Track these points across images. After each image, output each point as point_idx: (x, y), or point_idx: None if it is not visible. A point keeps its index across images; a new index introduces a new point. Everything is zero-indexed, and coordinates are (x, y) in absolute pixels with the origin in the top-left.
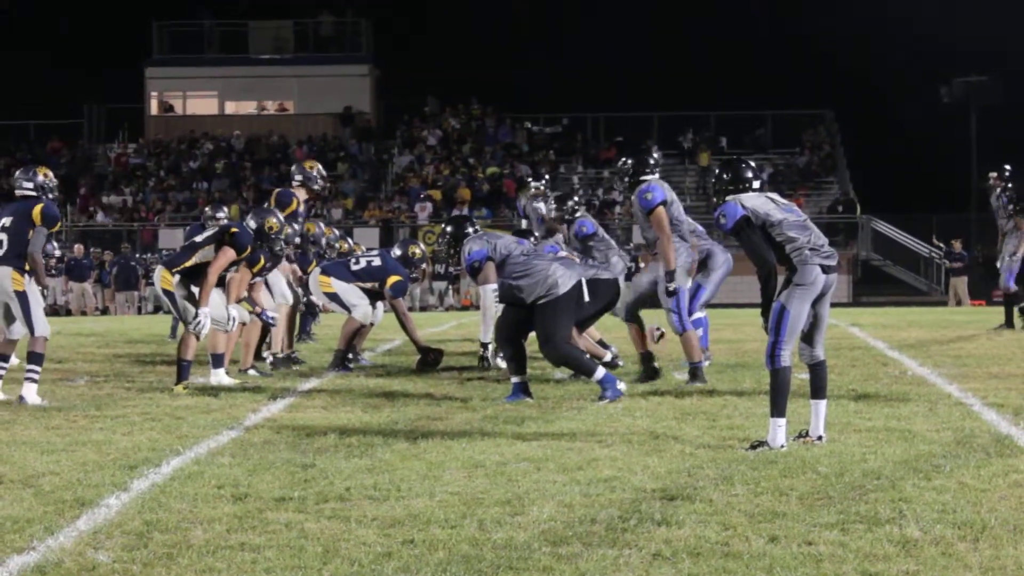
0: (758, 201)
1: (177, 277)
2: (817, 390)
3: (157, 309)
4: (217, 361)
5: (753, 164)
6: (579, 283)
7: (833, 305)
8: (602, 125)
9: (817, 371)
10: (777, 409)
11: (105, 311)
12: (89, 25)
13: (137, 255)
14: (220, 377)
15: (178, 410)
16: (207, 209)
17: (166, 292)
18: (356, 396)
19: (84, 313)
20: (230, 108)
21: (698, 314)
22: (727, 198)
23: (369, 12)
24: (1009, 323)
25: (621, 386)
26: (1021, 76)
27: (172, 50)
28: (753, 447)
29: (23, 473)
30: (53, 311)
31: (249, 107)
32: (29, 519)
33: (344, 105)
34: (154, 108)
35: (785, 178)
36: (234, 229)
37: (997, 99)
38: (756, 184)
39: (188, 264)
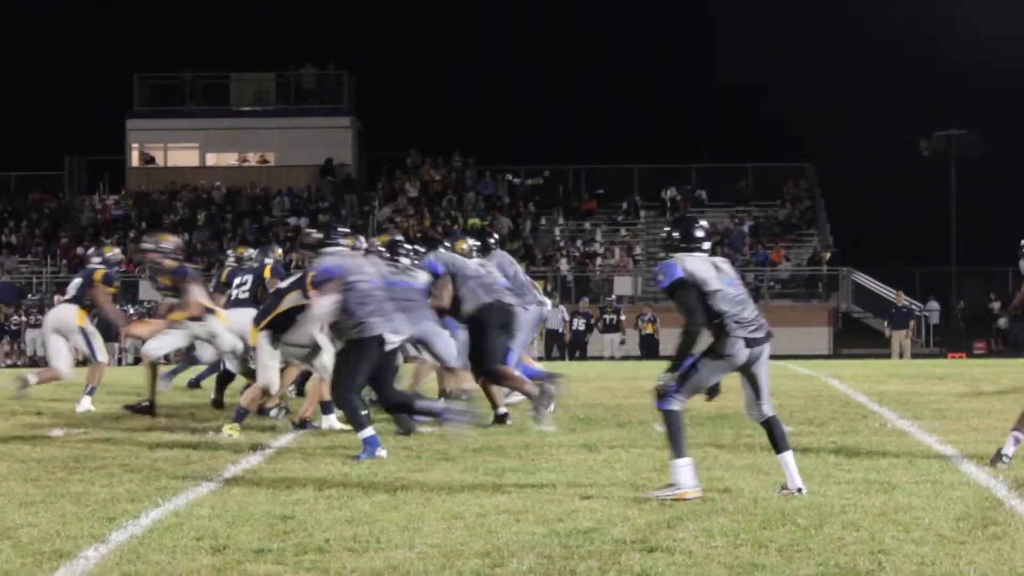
0: (700, 266)
1: (265, 332)
2: (777, 444)
3: (137, 360)
4: (327, 407)
5: (706, 224)
6: (380, 337)
7: (813, 357)
8: (583, 177)
9: (771, 426)
10: (675, 450)
11: (84, 362)
12: (70, 76)
13: (117, 306)
14: (332, 422)
15: (157, 461)
16: (246, 252)
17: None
18: (335, 447)
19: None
20: (211, 160)
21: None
22: (672, 256)
23: (351, 65)
24: None
25: (382, 452)
26: (1000, 130)
27: (153, 102)
28: (667, 487)
29: (1, 525)
30: (32, 362)
31: (231, 159)
32: (7, 571)
33: (326, 157)
34: (135, 160)
35: (765, 230)
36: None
37: (977, 152)
38: (706, 245)
39: (278, 312)
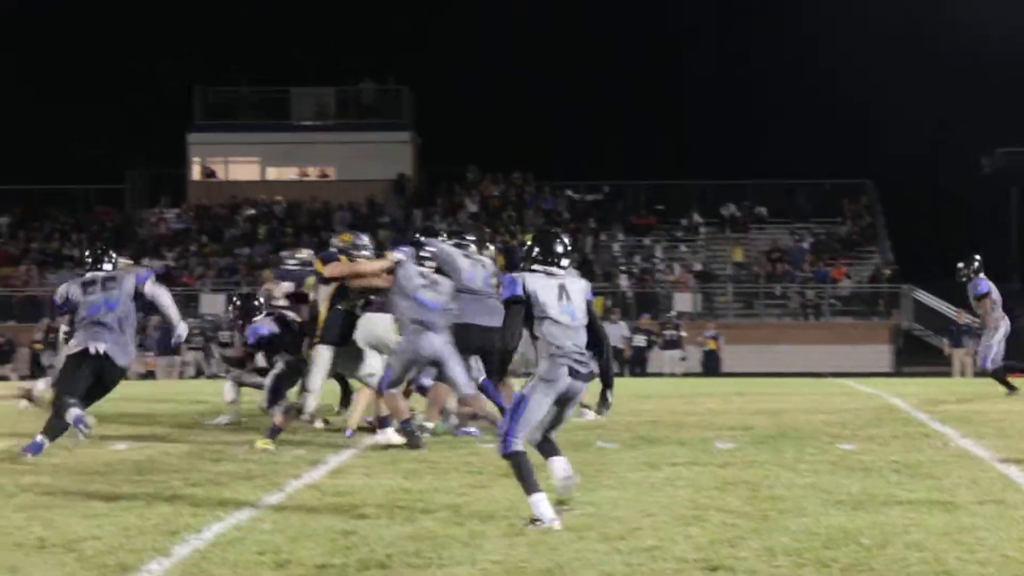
0: (543, 289)
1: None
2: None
3: (199, 374)
4: (385, 421)
5: (567, 241)
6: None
7: (874, 375)
8: (643, 193)
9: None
10: (528, 488)
11: (147, 375)
12: (132, 91)
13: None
14: (389, 436)
15: (219, 476)
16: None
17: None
18: (397, 462)
19: (126, 378)
20: (272, 174)
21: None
22: (522, 270)
23: (411, 80)
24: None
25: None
26: None
27: (214, 116)
28: (532, 522)
29: (65, 537)
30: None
31: (291, 173)
32: None
33: (385, 172)
34: (196, 174)
35: (826, 247)
36: None
37: None
38: (564, 262)
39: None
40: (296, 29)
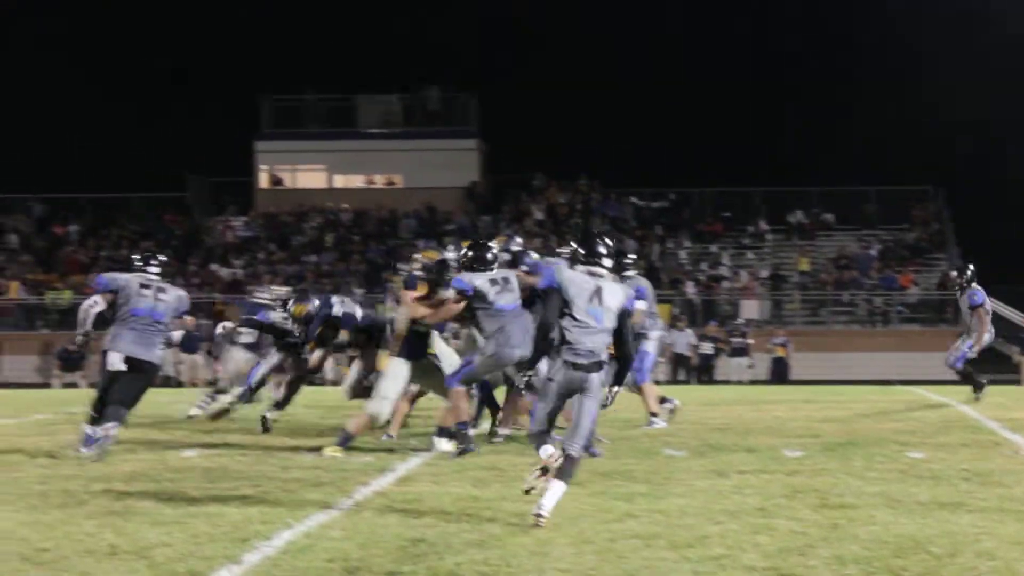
0: (575, 285)
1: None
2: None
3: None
4: (443, 432)
5: (610, 243)
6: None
7: (943, 383)
8: (709, 200)
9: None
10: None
11: (214, 382)
12: (199, 99)
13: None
14: (442, 445)
15: (289, 483)
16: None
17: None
18: (465, 470)
19: (195, 385)
20: (339, 182)
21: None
22: (567, 263)
23: (477, 87)
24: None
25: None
26: None
27: (281, 124)
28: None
29: (136, 544)
30: (164, 382)
31: (357, 181)
32: None
33: (452, 179)
34: (263, 182)
35: (893, 254)
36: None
37: None
38: (607, 263)
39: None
40: (362, 37)
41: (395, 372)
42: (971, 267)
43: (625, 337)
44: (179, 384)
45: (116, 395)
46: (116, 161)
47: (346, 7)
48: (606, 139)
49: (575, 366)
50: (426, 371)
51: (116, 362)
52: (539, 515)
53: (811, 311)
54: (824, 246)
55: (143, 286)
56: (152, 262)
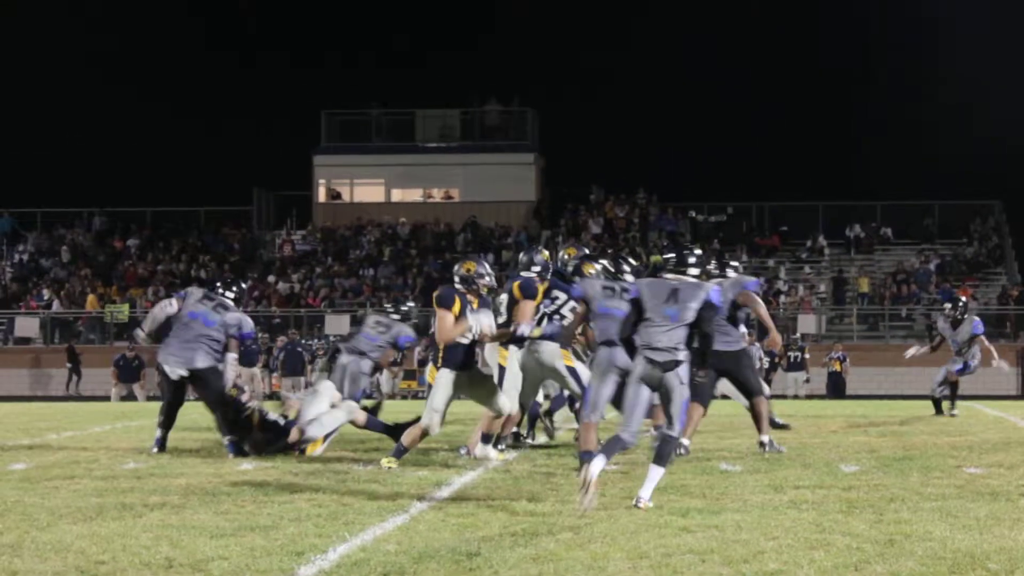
0: (651, 292)
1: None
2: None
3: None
4: (487, 438)
5: (700, 252)
6: None
7: (1000, 398)
8: (767, 214)
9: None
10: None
11: (273, 396)
12: (259, 114)
13: (303, 341)
14: (487, 452)
15: (344, 496)
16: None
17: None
18: (520, 484)
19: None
20: (396, 195)
21: None
22: (662, 277)
23: (535, 102)
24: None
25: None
26: None
27: (340, 138)
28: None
29: (192, 557)
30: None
31: (415, 195)
32: None
33: (510, 193)
34: (322, 195)
35: (952, 268)
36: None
37: None
38: (694, 271)
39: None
40: (421, 52)
41: (442, 382)
42: (963, 299)
43: (704, 328)
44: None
45: None
46: (183, 176)
47: (406, 23)
48: (664, 153)
49: (652, 363)
50: (473, 381)
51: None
52: (639, 502)
53: (869, 326)
54: (882, 260)
55: (207, 297)
56: (234, 288)
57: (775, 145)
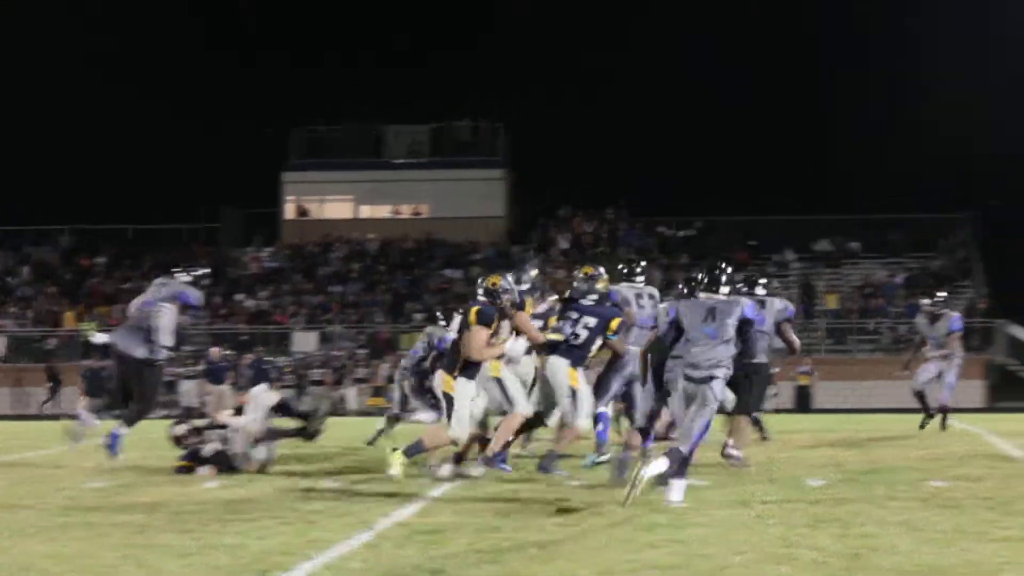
0: (689, 312)
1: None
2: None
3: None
4: (459, 457)
5: (730, 271)
6: None
7: (967, 411)
8: (736, 229)
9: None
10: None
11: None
12: (225, 131)
13: (269, 359)
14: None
15: (310, 514)
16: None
17: (447, 396)
18: (486, 500)
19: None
20: (365, 212)
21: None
22: (698, 297)
23: (504, 118)
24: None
25: None
26: None
27: (309, 154)
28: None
29: None
30: (188, 413)
31: (384, 211)
32: None
33: (479, 209)
34: (290, 212)
35: (919, 282)
36: (477, 307)
37: None
38: (725, 290)
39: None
40: (389, 68)
41: (463, 392)
42: (942, 294)
43: (746, 339)
44: (202, 415)
45: None
46: (150, 194)
47: (373, 39)
48: (633, 169)
49: (690, 379)
50: (488, 389)
51: None
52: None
53: (836, 339)
54: (850, 274)
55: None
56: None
57: (743, 160)
